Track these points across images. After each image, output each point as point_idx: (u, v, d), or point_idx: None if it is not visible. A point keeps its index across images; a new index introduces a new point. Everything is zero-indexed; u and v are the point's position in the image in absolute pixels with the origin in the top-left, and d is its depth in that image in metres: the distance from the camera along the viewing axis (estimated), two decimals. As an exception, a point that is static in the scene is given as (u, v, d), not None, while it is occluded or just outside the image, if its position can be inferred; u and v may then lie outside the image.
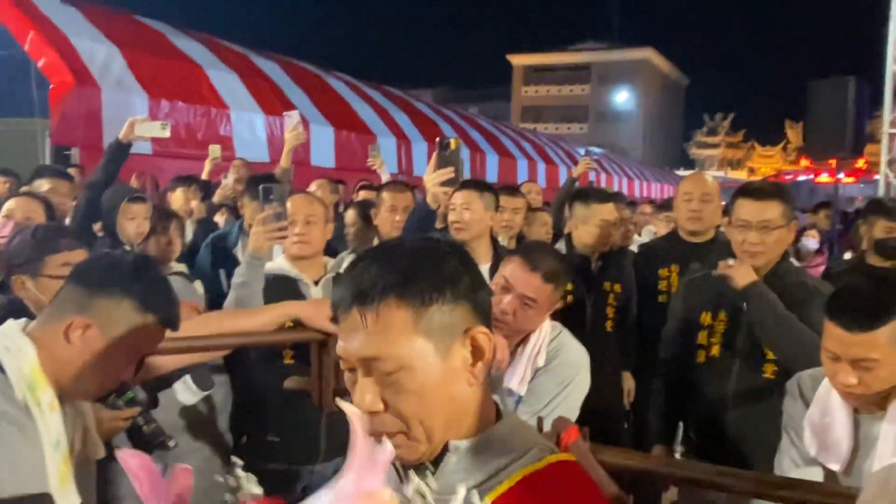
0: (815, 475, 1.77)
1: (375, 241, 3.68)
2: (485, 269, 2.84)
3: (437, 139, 2.64)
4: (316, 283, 2.49)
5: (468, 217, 2.90)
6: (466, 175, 3.54)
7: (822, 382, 1.68)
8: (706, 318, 2.47)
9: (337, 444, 2.58)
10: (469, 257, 0.96)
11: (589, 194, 3.42)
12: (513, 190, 3.83)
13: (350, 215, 3.92)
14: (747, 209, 2.31)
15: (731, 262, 2.30)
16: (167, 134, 3.78)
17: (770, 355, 2.30)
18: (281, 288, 2.38)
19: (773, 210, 2.28)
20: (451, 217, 2.94)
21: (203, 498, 2.45)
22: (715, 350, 2.44)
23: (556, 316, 2.12)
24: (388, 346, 0.89)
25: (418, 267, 0.89)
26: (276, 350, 2.38)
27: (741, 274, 2.25)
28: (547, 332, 2.03)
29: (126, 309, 1.37)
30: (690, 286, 2.60)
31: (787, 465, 1.80)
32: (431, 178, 2.60)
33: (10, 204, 2.90)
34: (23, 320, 1.41)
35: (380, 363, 0.89)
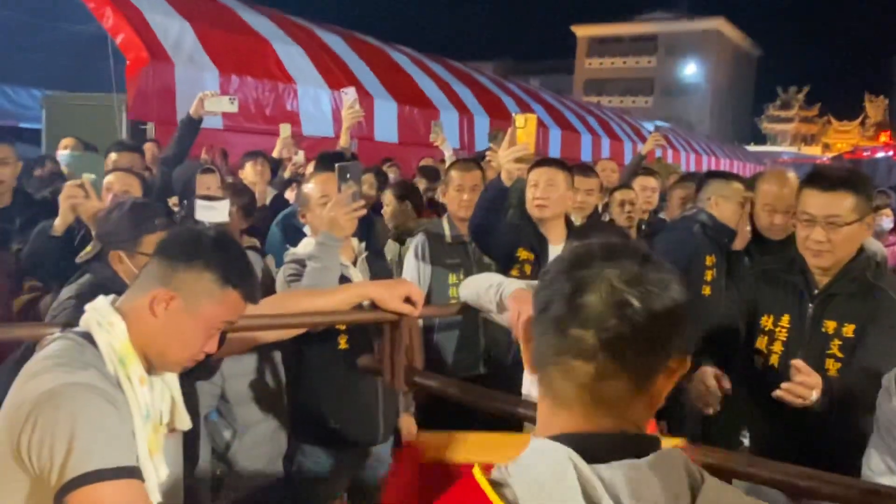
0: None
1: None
2: (557, 249, 2.81)
3: (514, 114, 2.60)
4: (353, 263, 2.50)
5: (553, 195, 2.85)
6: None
7: None
8: (767, 321, 2.24)
9: (391, 424, 2.63)
10: None
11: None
12: (586, 169, 3.78)
13: (387, 196, 3.98)
14: (813, 201, 2.04)
15: (796, 379, 1.84)
16: (235, 108, 3.86)
17: (833, 372, 2.08)
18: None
19: (843, 203, 2.00)
20: (533, 193, 2.89)
21: (269, 465, 2.55)
22: (774, 359, 2.22)
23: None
24: None
25: None
26: (330, 334, 2.39)
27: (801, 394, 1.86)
28: None
29: (208, 281, 1.41)
30: (753, 282, 2.35)
31: (877, 466, 1.73)
32: (506, 154, 2.57)
33: (109, 178, 3.04)
34: (112, 296, 1.47)
35: None
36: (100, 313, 1.41)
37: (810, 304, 2.14)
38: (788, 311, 2.19)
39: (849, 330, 2.08)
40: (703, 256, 3.19)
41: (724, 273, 3.16)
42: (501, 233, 2.86)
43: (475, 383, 2.08)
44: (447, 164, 4.20)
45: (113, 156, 3.88)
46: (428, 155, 9.15)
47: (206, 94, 3.75)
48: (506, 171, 2.59)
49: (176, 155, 3.81)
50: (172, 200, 3.63)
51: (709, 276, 3.23)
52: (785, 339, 2.20)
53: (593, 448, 0.84)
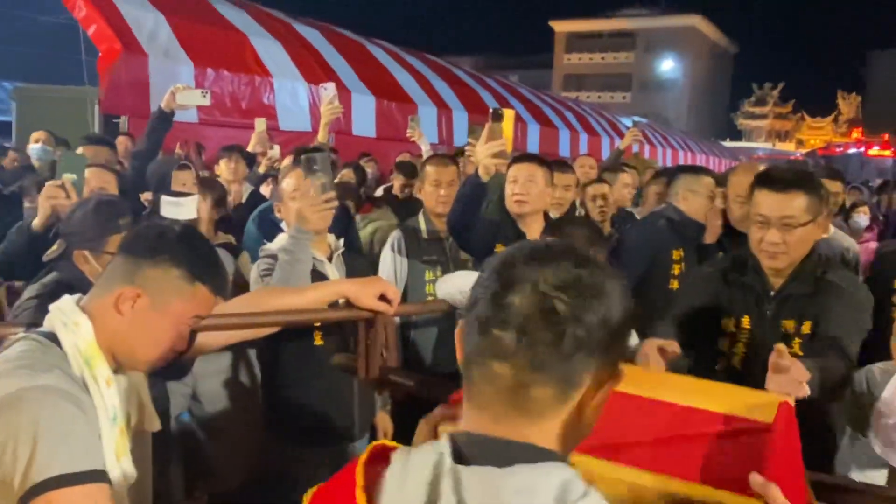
0: (878, 474, 1.73)
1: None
2: None
3: (491, 109, 2.59)
4: (329, 259, 2.47)
5: (532, 191, 2.85)
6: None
7: (892, 377, 1.60)
8: (728, 323, 2.21)
9: (367, 421, 2.61)
10: None
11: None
12: (563, 165, 3.78)
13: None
14: (767, 202, 2.02)
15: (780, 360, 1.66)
16: (208, 102, 3.80)
17: (795, 348, 2.06)
18: None
19: (796, 203, 1.99)
20: (512, 189, 2.88)
21: (243, 464, 2.52)
22: (737, 361, 2.19)
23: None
24: None
25: None
26: (305, 331, 2.36)
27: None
28: None
29: (175, 277, 1.38)
30: (709, 279, 2.29)
31: (850, 463, 1.76)
32: (483, 149, 2.56)
33: (86, 173, 2.98)
34: (77, 295, 1.44)
35: None
36: (65, 313, 1.38)
37: (768, 306, 2.13)
38: (748, 313, 2.18)
39: (807, 327, 2.09)
40: (669, 251, 3.22)
41: (694, 266, 3.18)
42: (480, 228, 2.85)
43: (453, 380, 2.06)
44: (423, 159, 4.18)
45: (81, 149, 3.81)
46: (406, 150, 9.11)
47: (178, 87, 3.69)
48: (483, 166, 2.59)
49: (148, 149, 3.74)
50: (145, 196, 3.57)
51: (676, 270, 3.26)
52: (747, 340, 2.19)
53: (470, 449, 0.83)
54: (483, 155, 2.55)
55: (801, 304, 2.08)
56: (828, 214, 3.88)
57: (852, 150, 37.41)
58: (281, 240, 2.42)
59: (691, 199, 3.24)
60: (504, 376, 0.82)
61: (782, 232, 1.99)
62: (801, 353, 2.09)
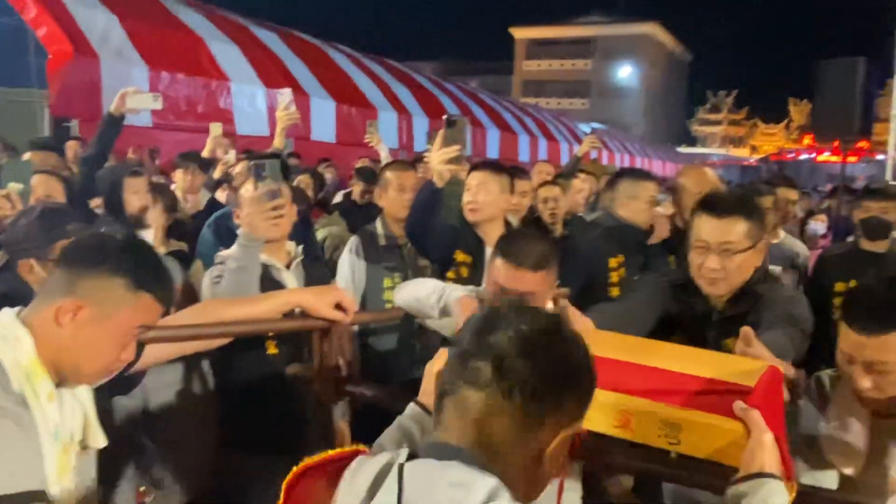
0: (829, 479, 1.75)
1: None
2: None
3: (444, 116, 2.59)
4: (287, 266, 2.43)
5: (482, 198, 2.84)
6: (468, 152, 3.54)
7: (840, 383, 1.63)
8: (675, 339, 2.09)
9: (325, 431, 2.55)
10: None
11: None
12: (520, 172, 3.79)
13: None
14: (707, 228, 1.97)
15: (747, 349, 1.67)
16: (159, 105, 3.72)
17: None
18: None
19: (736, 229, 1.95)
20: (465, 197, 2.88)
21: (198, 478, 2.45)
22: None
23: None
24: None
25: None
26: (259, 340, 2.30)
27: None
28: None
29: (117, 287, 1.34)
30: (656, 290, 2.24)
31: (801, 468, 1.78)
32: (437, 155, 2.56)
33: (32, 180, 2.89)
34: (17, 308, 1.38)
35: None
36: (4, 327, 1.32)
37: (710, 330, 2.10)
38: (689, 333, 2.11)
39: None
40: (605, 259, 3.19)
41: (637, 270, 3.17)
42: (438, 234, 2.84)
43: (411, 389, 2.04)
44: (382, 164, 4.16)
45: (28, 155, 3.70)
46: (367, 155, 9.06)
47: (129, 91, 3.61)
48: (437, 172, 2.59)
49: (97, 154, 3.64)
50: (95, 202, 3.47)
51: (614, 277, 3.27)
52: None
53: (423, 452, 0.91)
54: (437, 161, 2.55)
55: (741, 322, 2.03)
56: (776, 224, 3.94)
57: (803, 156, 38.49)
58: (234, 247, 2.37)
59: (632, 205, 3.23)
60: (475, 404, 0.89)
61: (721, 258, 1.95)
62: None
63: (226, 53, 8.95)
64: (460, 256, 2.86)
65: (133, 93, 3.59)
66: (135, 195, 3.17)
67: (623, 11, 56.42)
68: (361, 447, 1.07)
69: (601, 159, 17.22)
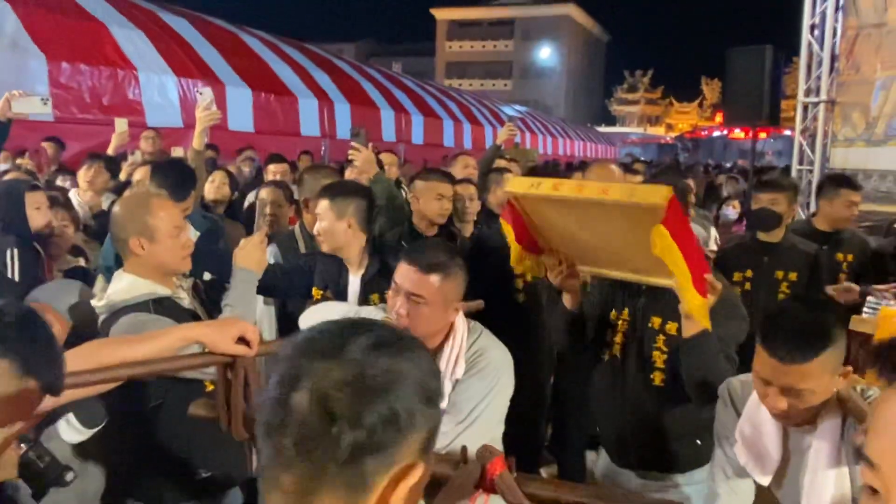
0: (746, 486, 1.79)
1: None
2: (356, 279, 2.64)
3: (350, 128, 2.53)
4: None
5: (320, 227, 2.65)
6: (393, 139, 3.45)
7: (752, 392, 1.64)
8: (614, 315, 2.36)
9: (242, 468, 2.42)
10: None
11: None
12: (448, 176, 3.63)
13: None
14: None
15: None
16: (49, 110, 3.54)
17: (659, 364, 2.24)
18: (169, 310, 2.12)
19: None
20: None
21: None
22: (616, 349, 2.35)
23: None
24: None
25: None
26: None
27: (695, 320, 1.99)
28: (462, 340, 1.90)
29: (4, 370, 1.21)
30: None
31: (718, 476, 1.81)
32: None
33: None
34: None
35: None
36: None
37: (639, 300, 2.29)
38: (628, 306, 2.33)
39: (672, 328, 2.21)
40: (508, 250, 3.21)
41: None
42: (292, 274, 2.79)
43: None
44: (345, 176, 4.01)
45: None
46: (287, 144, 8.83)
47: (14, 94, 3.40)
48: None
49: (-19, 163, 3.40)
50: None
51: (519, 283, 3.31)
52: (625, 330, 2.33)
53: None
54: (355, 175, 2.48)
55: (668, 303, 2.12)
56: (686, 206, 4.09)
57: (716, 133, 39.88)
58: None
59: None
60: (290, 489, 0.74)
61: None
62: (665, 349, 2.21)
63: (132, 40, 8.52)
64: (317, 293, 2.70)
65: (19, 96, 3.39)
66: (37, 211, 3.05)
67: (542, -8, 56.89)
68: None
69: (524, 142, 17.36)
